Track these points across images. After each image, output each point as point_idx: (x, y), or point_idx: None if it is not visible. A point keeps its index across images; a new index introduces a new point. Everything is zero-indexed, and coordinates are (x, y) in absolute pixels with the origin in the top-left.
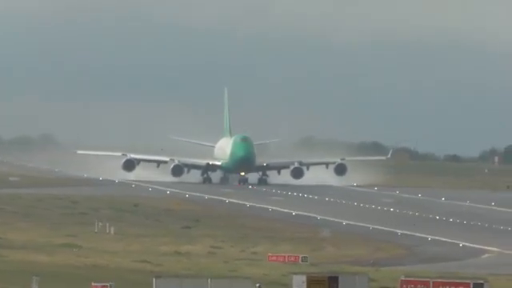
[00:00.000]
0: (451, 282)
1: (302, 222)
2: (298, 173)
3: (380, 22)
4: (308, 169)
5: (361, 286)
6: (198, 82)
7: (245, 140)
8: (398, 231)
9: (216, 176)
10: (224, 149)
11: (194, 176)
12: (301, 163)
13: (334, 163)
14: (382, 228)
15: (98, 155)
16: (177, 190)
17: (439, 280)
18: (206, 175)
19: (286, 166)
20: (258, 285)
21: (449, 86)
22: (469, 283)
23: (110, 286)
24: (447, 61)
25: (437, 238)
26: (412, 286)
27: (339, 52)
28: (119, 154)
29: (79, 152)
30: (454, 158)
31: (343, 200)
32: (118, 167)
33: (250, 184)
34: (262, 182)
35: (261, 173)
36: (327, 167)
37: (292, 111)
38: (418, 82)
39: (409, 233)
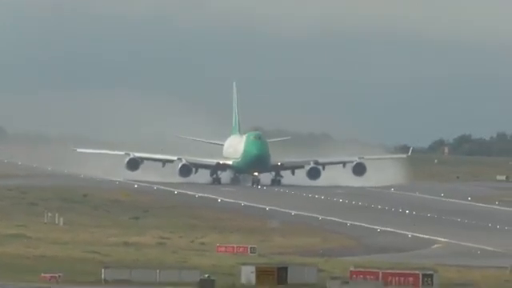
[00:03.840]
0: (400, 273)
1: (250, 212)
2: (314, 173)
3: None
4: (324, 168)
5: (310, 276)
6: (201, 77)
7: (258, 138)
8: (347, 222)
9: (226, 176)
10: (235, 147)
11: (203, 176)
12: (317, 162)
13: (351, 162)
14: (331, 218)
15: (100, 153)
16: (127, 181)
17: (389, 271)
18: (215, 175)
19: (300, 166)
20: (206, 275)
21: (397, 77)
22: (418, 274)
23: (59, 276)
24: (395, 51)
25: (386, 228)
26: (361, 276)
27: (288, 45)
28: (122, 152)
29: (79, 150)
30: (404, 149)
31: (292, 191)
32: (119, 166)
33: (263, 185)
34: (276, 182)
35: (274, 173)
36: (344, 166)
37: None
38: (368, 73)
39: (358, 223)
